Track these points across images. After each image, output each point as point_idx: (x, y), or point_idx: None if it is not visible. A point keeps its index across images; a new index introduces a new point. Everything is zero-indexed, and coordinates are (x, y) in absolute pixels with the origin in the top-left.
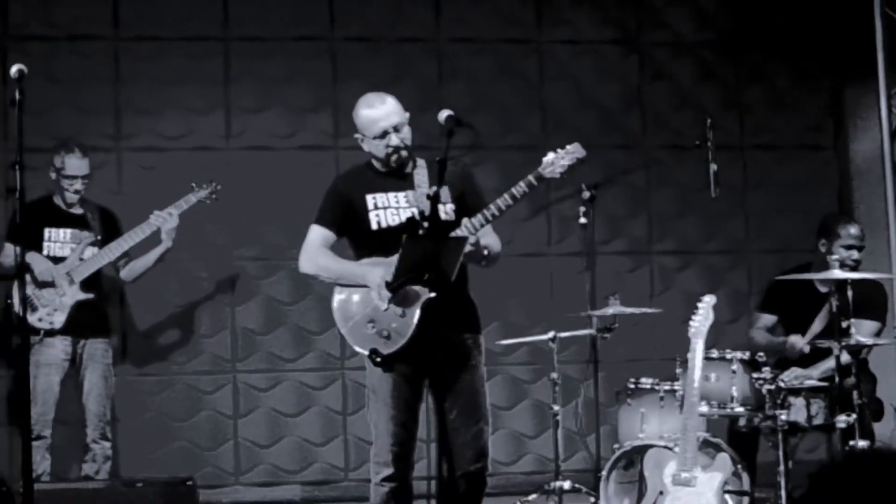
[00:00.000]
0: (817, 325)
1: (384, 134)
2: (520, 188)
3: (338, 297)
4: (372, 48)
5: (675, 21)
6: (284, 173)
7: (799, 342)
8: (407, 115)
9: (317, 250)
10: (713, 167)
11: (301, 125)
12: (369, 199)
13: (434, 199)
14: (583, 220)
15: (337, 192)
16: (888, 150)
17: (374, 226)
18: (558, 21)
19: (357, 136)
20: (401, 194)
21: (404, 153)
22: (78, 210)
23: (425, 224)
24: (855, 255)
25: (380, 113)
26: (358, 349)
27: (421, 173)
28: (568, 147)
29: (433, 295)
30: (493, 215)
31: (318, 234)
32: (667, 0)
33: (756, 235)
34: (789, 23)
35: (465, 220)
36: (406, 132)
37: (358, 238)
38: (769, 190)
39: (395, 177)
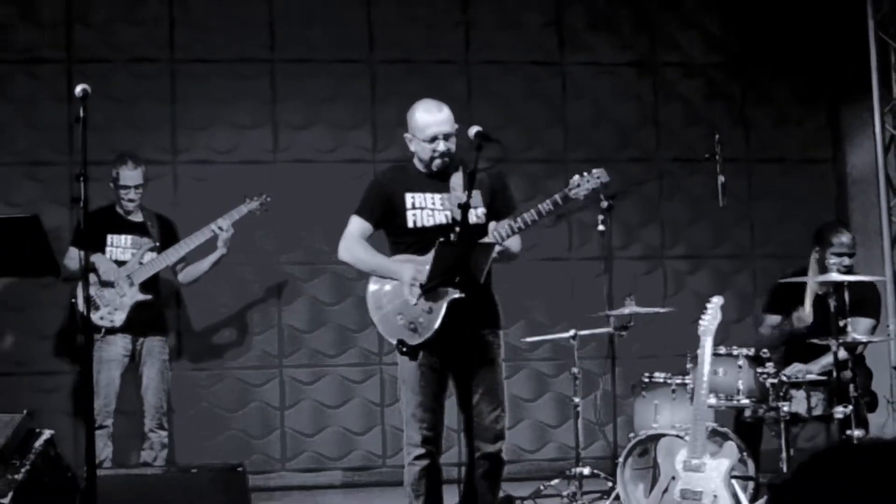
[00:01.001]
0: (810, 291)
1: (433, 139)
2: (546, 205)
3: (372, 287)
4: (408, 70)
5: (685, 44)
6: (326, 185)
7: (803, 312)
8: (456, 126)
9: (355, 241)
10: (721, 179)
11: (342, 141)
12: (408, 197)
13: (465, 208)
14: (601, 227)
15: (378, 186)
16: (881, 163)
17: (410, 224)
18: (579, 45)
19: (407, 135)
20: (437, 196)
21: (446, 160)
22: (138, 217)
23: (456, 230)
24: (846, 261)
25: (434, 119)
26: (387, 337)
27: (458, 179)
28: (594, 171)
29: (459, 295)
30: (519, 228)
31: (357, 225)
32: (678, 25)
33: (760, 241)
34: (791, 46)
35: (492, 228)
36: (452, 142)
37: (394, 233)
38: (772, 200)
39: (435, 179)
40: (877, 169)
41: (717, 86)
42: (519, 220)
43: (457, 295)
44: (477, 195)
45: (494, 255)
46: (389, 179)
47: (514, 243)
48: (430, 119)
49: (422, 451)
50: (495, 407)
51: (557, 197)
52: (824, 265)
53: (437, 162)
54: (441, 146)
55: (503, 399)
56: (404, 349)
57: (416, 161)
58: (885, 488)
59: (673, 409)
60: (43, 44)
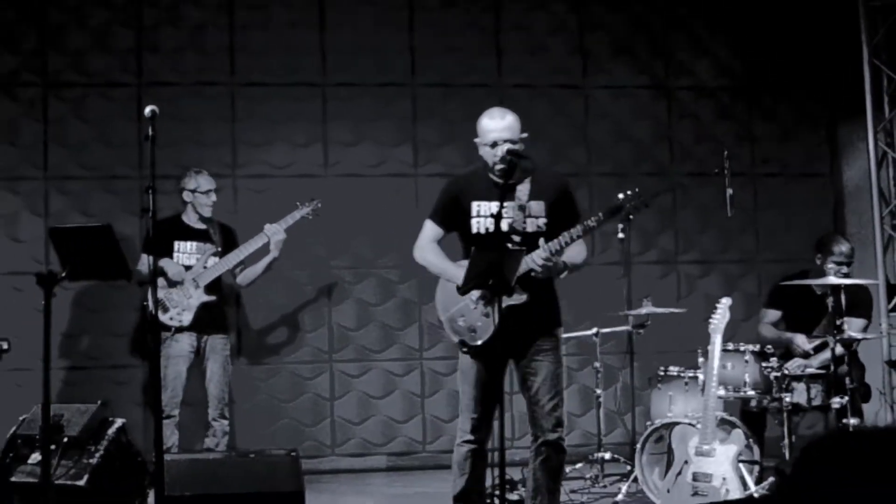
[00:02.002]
0: (818, 332)
1: (494, 144)
2: (590, 224)
3: (440, 290)
4: (445, 92)
5: (697, 69)
6: (372, 197)
7: (805, 344)
8: (523, 135)
9: (427, 244)
10: (729, 191)
11: (386, 157)
12: (474, 205)
13: (497, 217)
14: (621, 235)
15: (449, 192)
16: (874, 177)
17: (474, 230)
18: (600, 70)
19: (476, 140)
20: (503, 205)
21: (505, 166)
22: (202, 226)
23: (515, 238)
24: (844, 269)
25: (496, 125)
26: (451, 336)
27: (524, 188)
28: (629, 192)
29: (514, 302)
30: (566, 242)
31: (429, 230)
32: (690, 52)
33: (764, 248)
34: (792, 70)
35: (541, 243)
36: (517, 148)
37: (462, 238)
38: (775, 210)
39: (501, 188)
40: (870, 182)
41: (725, 107)
42: (566, 234)
43: (511, 302)
44: (539, 206)
45: (540, 264)
46: (460, 187)
47: (576, 255)
48: (493, 125)
49: (470, 437)
50: (553, 396)
51: (601, 213)
52: (823, 270)
53: (499, 166)
54: (499, 151)
55: (561, 389)
56: (465, 349)
57: (486, 167)
58: (886, 475)
59: (686, 400)
60: (116, 69)
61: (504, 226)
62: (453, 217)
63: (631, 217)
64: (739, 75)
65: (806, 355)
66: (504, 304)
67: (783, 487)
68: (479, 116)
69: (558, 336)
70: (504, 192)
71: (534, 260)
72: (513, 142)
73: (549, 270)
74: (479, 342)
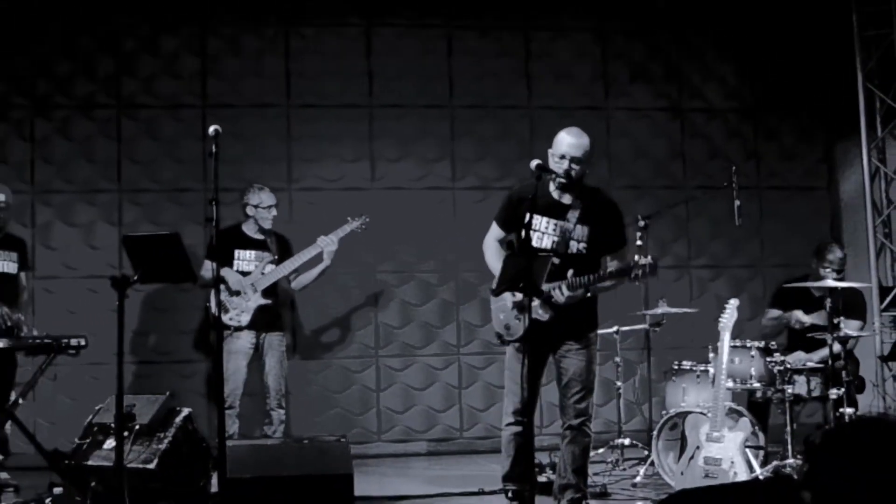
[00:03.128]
0: (816, 317)
1: (562, 156)
2: (606, 284)
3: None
4: (480, 113)
5: (708, 93)
6: (414, 208)
7: (803, 317)
8: (589, 155)
9: (491, 244)
10: (737, 203)
11: (427, 171)
12: (535, 219)
13: (526, 228)
14: (639, 242)
15: (511, 200)
16: (868, 190)
17: (534, 243)
18: (621, 93)
19: (550, 150)
20: (552, 222)
21: (566, 180)
22: (260, 236)
23: (555, 260)
24: (835, 274)
25: (568, 141)
26: (494, 328)
27: (575, 212)
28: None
29: (540, 317)
30: (587, 282)
31: (494, 231)
32: (702, 77)
33: (769, 254)
34: (794, 94)
35: (569, 275)
36: (579, 168)
37: (512, 240)
38: (778, 220)
39: (556, 206)
40: (864, 195)
41: (733, 127)
42: (579, 278)
43: (536, 316)
44: (585, 230)
45: (585, 295)
46: (521, 195)
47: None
48: (565, 140)
49: (512, 419)
50: (580, 390)
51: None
52: (818, 274)
53: (560, 179)
54: (564, 164)
55: (589, 385)
56: (501, 342)
57: (549, 178)
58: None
59: (698, 391)
60: (183, 93)
61: (549, 243)
62: (513, 222)
63: (646, 222)
64: (746, 99)
65: (804, 346)
66: (532, 317)
67: (808, 466)
68: (510, 134)
69: (591, 338)
70: (555, 212)
71: (558, 290)
72: (579, 160)
73: (570, 299)
74: (512, 339)
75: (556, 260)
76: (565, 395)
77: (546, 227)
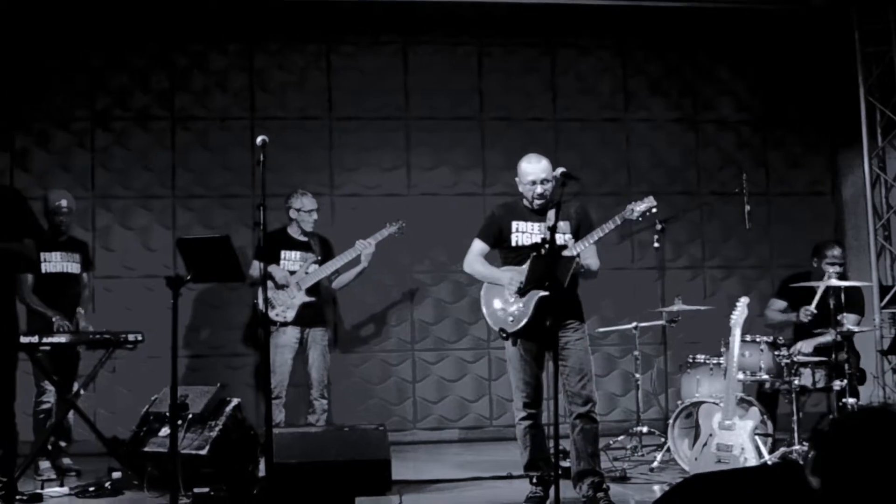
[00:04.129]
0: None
1: (533, 183)
2: (607, 226)
3: (484, 290)
4: (508, 125)
5: (720, 106)
6: (448, 213)
7: (806, 311)
8: (553, 174)
9: (474, 258)
10: (747, 207)
11: (459, 179)
12: (514, 224)
13: (552, 230)
14: (656, 244)
15: (494, 217)
16: (869, 196)
17: (514, 243)
18: (639, 106)
19: (516, 178)
20: (535, 224)
21: (543, 199)
22: (304, 238)
23: (546, 246)
24: (837, 269)
25: (533, 168)
26: (493, 326)
27: (552, 213)
28: (644, 199)
29: (545, 294)
30: (587, 243)
31: (477, 246)
32: (715, 91)
33: (777, 255)
34: (800, 106)
35: (570, 242)
36: (549, 187)
37: (502, 250)
38: (786, 223)
39: (535, 212)
40: (866, 200)
41: (744, 137)
42: (589, 236)
43: (542, 293)
44: (566, 225)
45: (577, 269)
46: (502, 214)
47: (593, 263)
48: (530, 168)
49: (524, 413)
50: (582, 377)
51: (617, 217)
52: (821, 272)
53: (537, 200)
54: (538, 189)
55: (589, 370)
56: (505, 335)
57: (522, 199)
58: None
59: (711, 383)
60: (232, 105)
61: (538, 239)
62: (498, 236)
63: (662, 225)
64: (756, 111)
65: (807, 335)
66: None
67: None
68: (537, 144)
69: (582, 328)
70: (536, 216)
71: (582, 244)
72: (546, 180)
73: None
74: (518, 327)
75: (547, 245)
76: (570, 383)
77: (531, 229)
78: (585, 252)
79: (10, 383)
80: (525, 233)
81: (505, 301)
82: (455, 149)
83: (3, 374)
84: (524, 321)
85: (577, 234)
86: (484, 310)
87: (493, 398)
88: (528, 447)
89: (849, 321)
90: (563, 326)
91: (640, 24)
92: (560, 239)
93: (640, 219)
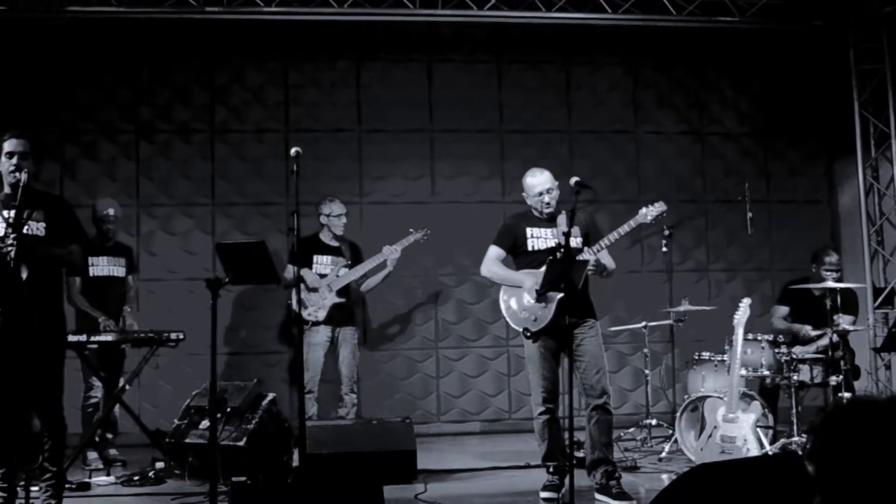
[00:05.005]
0: (817, 333)
1: (539, 194)
2: (623, 229)
3: (503, 293)
4: (527, 137)
5: (725, 119)
6: (469, 219)
7: (812, 332)
8: (556, 183)
9: (492, 262)
10: (749, 215)
11: (480, 188)
12: (528, 230)
13: (567, 235)
14: (664, 249)
15: (508, 226)
16: (863, 204)
17: (530, 248)
18: (648, 119)
19: (523, 193)
20: (548, 230)
21: (551, 207)
22: (335, 243)
23: (562, 250)
24: (834, 274)
25: (538, 181)
26: (515, 327)
27: (562, 218)
28: (655, 203)
29: (563, 295)
30: (605, 244)
31: (494, 252)
32: (719, 105)
33: (777, 259)
34: (799, 120)
35: (586, 248)
36: (555, 194)
37: (518, 255)
38: (786, 229)
39: (546, 219)
40: (860, 208)
41: (746, 148)
42: (604, 240)
43: (561, 295)
44: (576, 230)
45: (590, 268)
46: (516, 220)
47: (608, 262)
48: (535, 181)
49: (542, 408)
50: (597, 370)
51: (631, 221)
52: (819, 277)
53: (546, 210)
54: (545, 199)
55: (603, 365)
56: (528, 334)
57: (532, 210)
58: None
59: (715, 378)
60: (268, 119)
61: (552, 243)
62: (513, 242)
63: (670, 231)
64: (757, 124)
65: (812, 340)
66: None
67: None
68: (553, 155)
69: (596, 325)
70: (547, 224)
71: (594, 251)
72: (552, 189)
73: (595, 269)
74: (541, 327)
75: (563, 249)
76: (587, 377)
77: (545, 234)
78: (602, 254)
79: (58, 379)
80: (540, 238)
81: (525, 302)
82: (476, 159)
83: (52, 370)
84: (547, 321)
85: (587, 241)
86: (504, 311)
87: (512, 393)
88: (546, 439)
89: (844, 321)
90: (580, 324)
91: (650, 43)
92: (574, 243)
93: (653, 222)
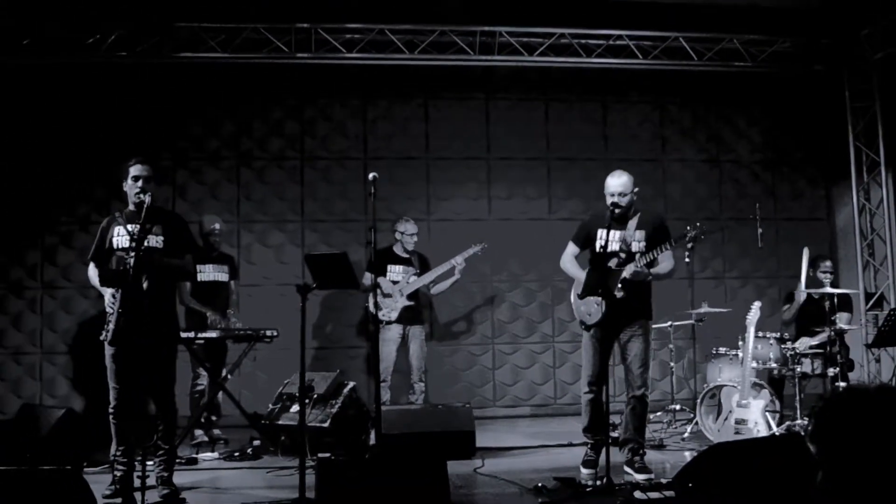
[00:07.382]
0: (817, 339)
1: (611, 195)
2: (665, 246)
3: (574, 287)
4: (570, 163)
5: (739, 149)
6: (520, 234)
7: (810, 341)
8: (632, 188)
9: (567, 258)
10: (759, 230)
11: (529, 207)
12: (600, 232)
13: (605, 243)
14: (687, 259)
15: (585, 224)
16: (857, 221)
17: (598, 249)
18: (674, 149)
19: (605, 191)
20: (617, 232)
21: (618, 209)
22: (406, 254)
23: (622, 255)
24: (829, 277)
25: (612, 183)
26: (577, 317)
27: (633, 222)
28: (692, 229)
29: (619, 292)
30: (650, 259)
31: (570, 248)
32: (734, 137)
33: (784, 268)
34: (802, 150)
35: (638, 255)
36: (625, 199)
37: (589, 253)
38: (790, 243)
39: (619, 221)
40: (854, 224)
41: (757, 174)
42: (651, 253)
43: (618, 294)
44: (641, 234)
45: (629, 273)
46: (592, 220)
47: (661, 268)
48: (610, 182)
49: (587, 388)
50: (640, 365)
51: (672, 240)
52: (817, 280)
53: (615, 210)
54: (614, 199)
55: (648, 361)
56: (584, 326)
57: (609, 208)
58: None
59: (730, 370)
60: (349, 148)
61: (616, 246)
62: (586, 240)
63: (691, 245)
64: (767, 153)
65: (808, 334)
66: (609, 302)
67: (812, 425)
68: (592, 179)
69: (647, 325)
70: (618, 225)
71: (628, 269)
72: (623, 194)
73: (637, 275)
74: (593, 322)
75: (622, 255)
76: (630, 370)
77: (612, 237)
78: (661, 257)
79: (171, 371)
80: (604, 240)
81: (587, 300)
82: (526, 183)
83: (166, 363)
84: (597, 318)
85: (651, 242)
86: (572, 302)
87: (557, 382)
88: (589, 414)
89: (842, 319)
90: (631, 323)
91: (675, 84)
92: (635, 246)
93: (690, 244)
